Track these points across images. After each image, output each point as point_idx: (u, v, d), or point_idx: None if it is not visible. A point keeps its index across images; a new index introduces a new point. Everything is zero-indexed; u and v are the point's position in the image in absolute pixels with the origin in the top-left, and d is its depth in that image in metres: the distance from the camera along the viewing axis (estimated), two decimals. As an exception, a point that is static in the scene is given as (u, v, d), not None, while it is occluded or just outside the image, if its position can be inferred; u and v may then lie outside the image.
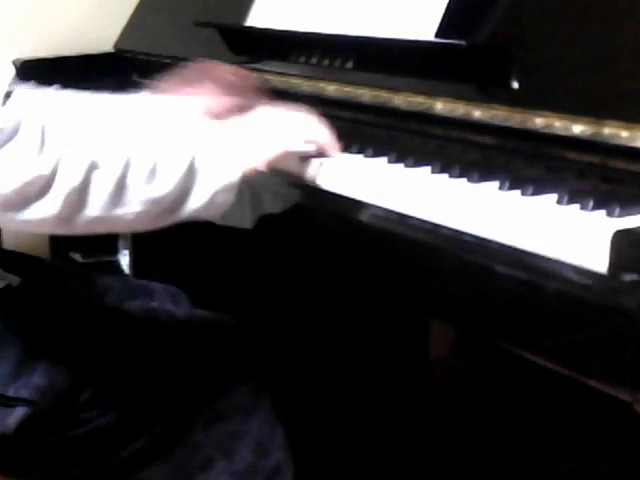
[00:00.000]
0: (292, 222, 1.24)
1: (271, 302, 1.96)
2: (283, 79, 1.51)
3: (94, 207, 0.97)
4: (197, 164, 1.01)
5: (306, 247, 1.25)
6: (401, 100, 1.29)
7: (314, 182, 1.15)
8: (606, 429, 1.83)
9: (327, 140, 1.15)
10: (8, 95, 0.94)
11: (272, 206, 1.29)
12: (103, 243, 2.10)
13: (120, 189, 0.97)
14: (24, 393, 1.14)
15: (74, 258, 2.16)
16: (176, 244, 1.89)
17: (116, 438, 1.22)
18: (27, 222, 0.97)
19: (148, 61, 1.94)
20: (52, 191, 0.94)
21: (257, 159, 1.07)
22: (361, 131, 1.34)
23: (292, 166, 1.15)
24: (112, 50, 2.08)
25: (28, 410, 1.14)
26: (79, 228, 1.00)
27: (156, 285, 1.40)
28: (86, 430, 1.19)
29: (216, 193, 1.02)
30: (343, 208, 1.13)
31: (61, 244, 2.19)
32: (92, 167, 0.96)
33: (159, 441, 1.24)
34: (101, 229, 1.03)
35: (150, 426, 1.23)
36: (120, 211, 0.98)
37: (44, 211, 0.95)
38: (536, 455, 1.94)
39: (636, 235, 0.83)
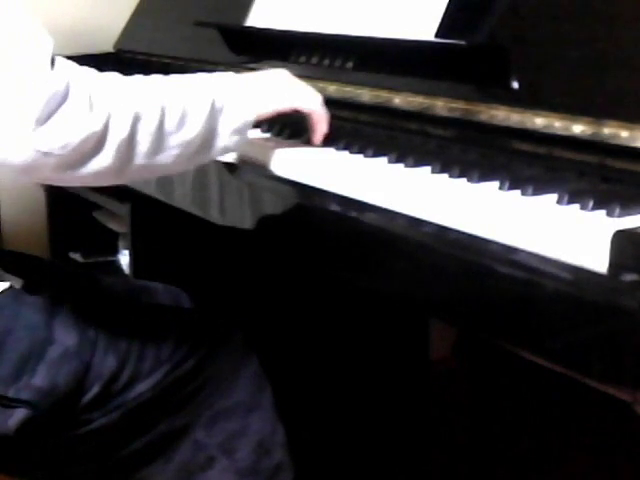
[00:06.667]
0: (292, 222, 1.24)
1: (271, 302, 1.96)
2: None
3: (140, 155, 1.04)
4: (217, 107, 1.11)
5: (306, 247, 1.25)
6: (401, 100, 1.30)
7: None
8: (606, 429, 1.83)
9: (319, 111, 1.25)
10: (53, 61, 0.99)
11: (272, 206, 1.29)
12: (103, 243, 2.10)
13: (160, 136, 1.05)
14: (25, 395, 1.13)
15: (74, 258, 2.16)
16: (176, 244, 1.89)
17: (117, 437, 1.22)
18: (84, 177, 1.02)
19: (148, 61, 1.94)
20: (106, 145, 1.00)
21: (267, 106, 1.18)
22: (361, 131, 1.34)
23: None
24: (112, 50, 2.09)
25: (29, 412, 1.13)
26: (127, 177, 1.08)
27: (156, 285, 1.40)
28: (87, 430, 1.19)
29: (235, 131, 1.13)
30: (343, 208, 1.13)
31: (61, 244, 2.20)
32: (136, 119, 1.02)
33: (160, 440, 1.24)
34: (145, 175, 1.12)
35: (151, 425, 1.23)
36: (161, 156, 1.06)
37: (99, 165, 1.01)
38: (536, 455, 1.94)
39: (636, 235, 0.82)
